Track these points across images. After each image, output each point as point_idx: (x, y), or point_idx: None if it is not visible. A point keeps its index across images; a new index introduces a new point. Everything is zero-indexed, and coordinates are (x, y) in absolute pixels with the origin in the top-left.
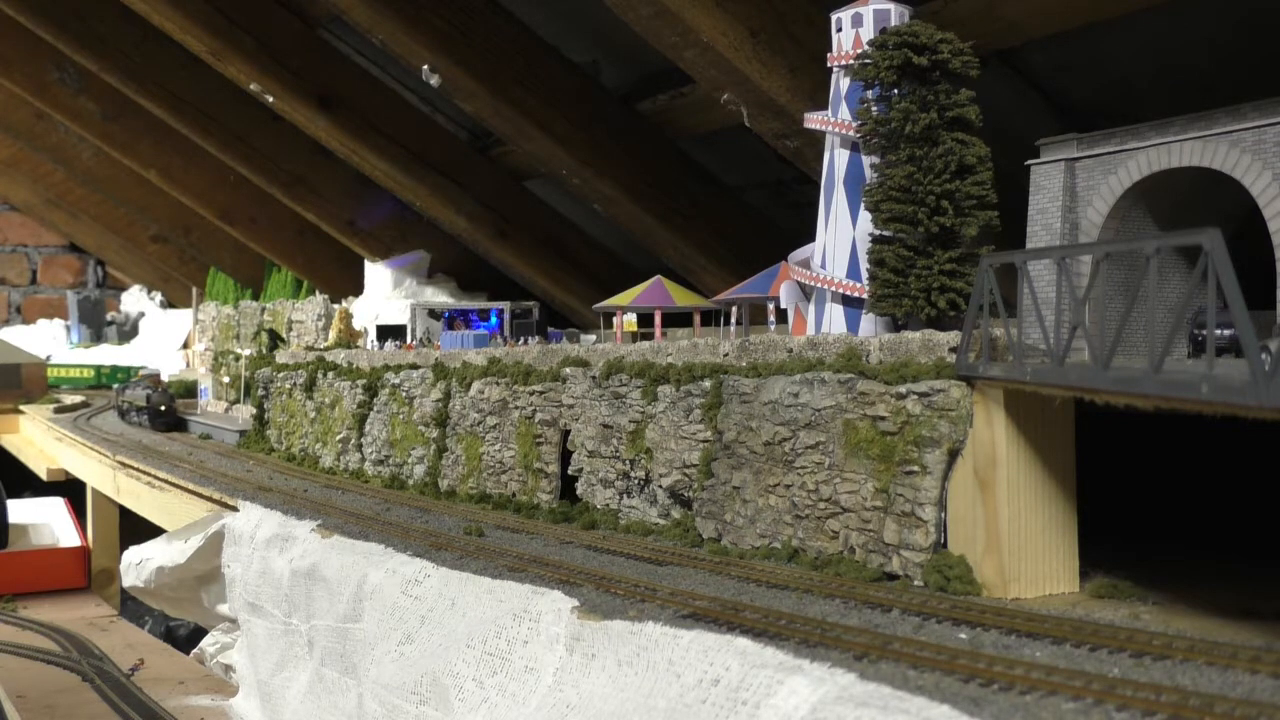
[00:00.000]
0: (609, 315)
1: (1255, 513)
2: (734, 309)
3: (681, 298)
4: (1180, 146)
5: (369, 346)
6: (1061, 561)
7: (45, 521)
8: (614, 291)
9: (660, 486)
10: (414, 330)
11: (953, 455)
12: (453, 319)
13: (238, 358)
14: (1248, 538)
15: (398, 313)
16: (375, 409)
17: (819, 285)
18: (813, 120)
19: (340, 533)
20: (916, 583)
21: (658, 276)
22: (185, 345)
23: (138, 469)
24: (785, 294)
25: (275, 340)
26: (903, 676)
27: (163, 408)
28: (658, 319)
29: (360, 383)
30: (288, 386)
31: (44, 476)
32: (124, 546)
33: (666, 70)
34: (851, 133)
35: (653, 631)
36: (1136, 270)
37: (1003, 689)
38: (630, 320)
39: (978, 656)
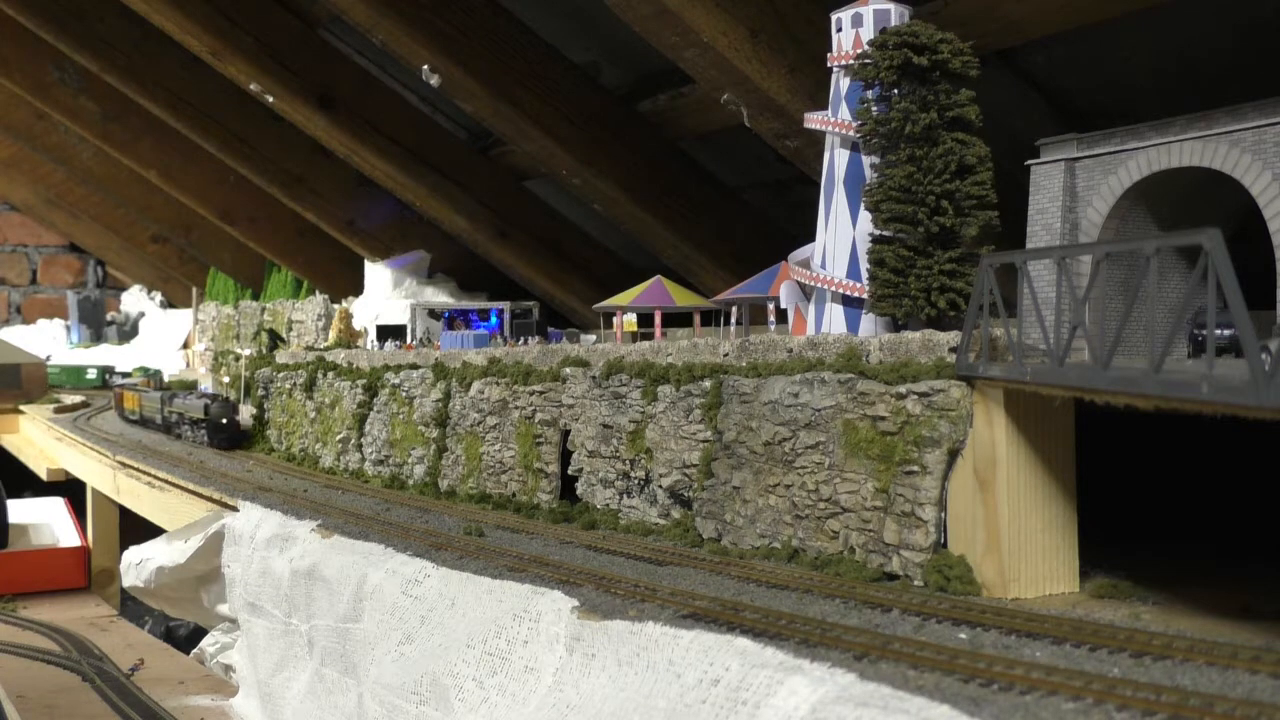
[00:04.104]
0: (609, 315)
1: (1255, 513)
2: (734, 309)
3: (681, 298)
4: (1180, 146)
5: (369, 346)
6: (1061, 561)
7: (45, 521)
8: (614, 291)
9: (660, 486)
10: (414, 330)
11: (953, 455)
12: (453, 319)
13: (238, 358)
14: (1247, 538)
15: (398, 313)
16: (375, 409)
17: (819, 285)
18: (813, 120)
19: (340, 533)
20: (916, 583)
21: (658, 276)
22: (185, 345)
23: (138, 469)
24: (785, 294)
25: (275, 340)
26: (903, 676)
27: (224, 420)
28: (658, 319)
29: (360, 383)
30: (288, 386)
31: (44, 476)
32: (124, 546)
33: (666, 70)
34: (851, 133)
35: (653, 631)
36: (1136, 270)
37: (1003, 689)
38: (630, 320)
39: (978, 656)
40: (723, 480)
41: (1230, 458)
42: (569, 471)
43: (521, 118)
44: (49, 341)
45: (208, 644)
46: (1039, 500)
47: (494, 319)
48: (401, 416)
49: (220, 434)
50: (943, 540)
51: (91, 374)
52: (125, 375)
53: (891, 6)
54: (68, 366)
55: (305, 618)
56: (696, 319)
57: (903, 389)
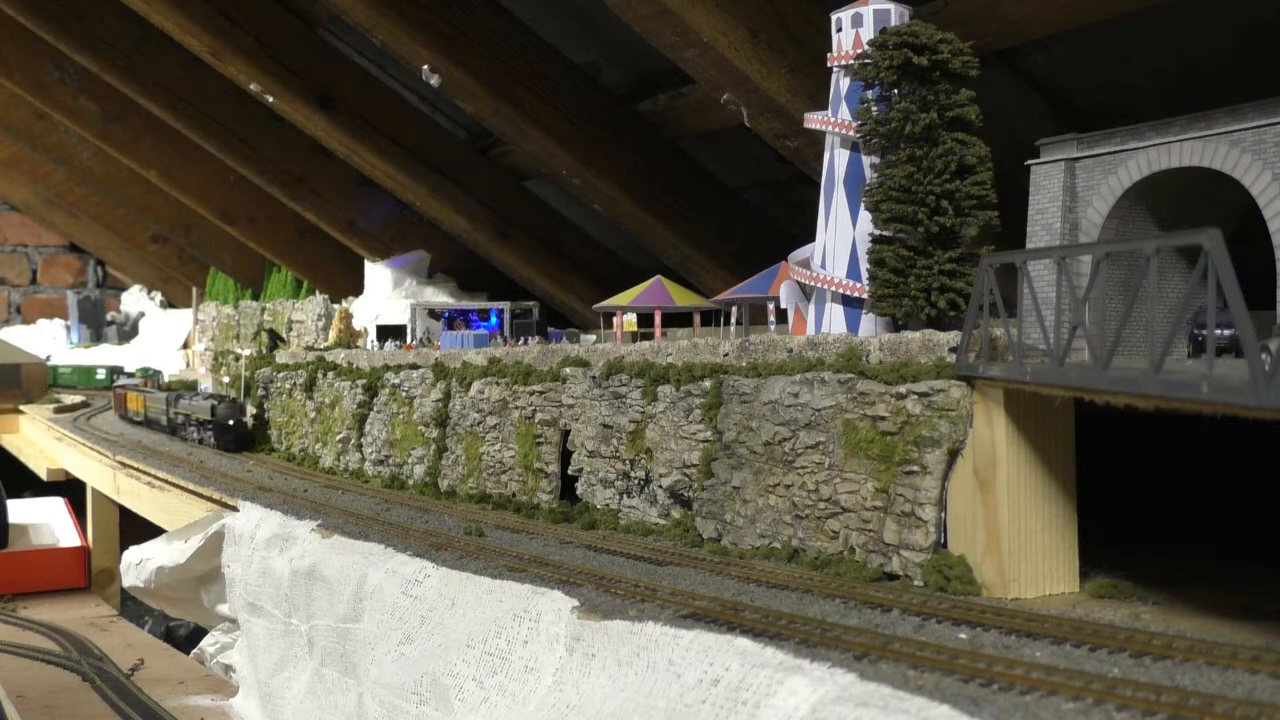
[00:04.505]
0: (609, 315)
1: (1255, 513)
2: (734, 309)
3: (681, 298)
4: (1180, 146)
5: (369, 346)
6: (1061, 561)
7: (45, 521)
8: (614, 291)
9: (660, 486)
10: (414, 330)
11: (953, 455)
12: (453, 319)
13: (238, 358)
14: (1247, 537)
15: (398, 313)
16: (375, 409)
17: (819, 285)
18: (813, 120)
19: (340, 533)
20: (916, 583)
21: (658, 276)
22: (185, 345)
23: (138, 469)
24: (785, 294)
25: (275, 340)
26: (903, 676)
27: (231, 422)
28: (658, 319)
29: (360, 383)
30: (288, 386)
31: (44, 476)
32: (124, 546)
33: (666, 70)
34: (851, 133)
35: (653, 631)
36: (1136, 270)
37: (1003, 689)
38: (630, 320)
39: (978, 656)
40: (723, 480)
41: (1230, 458)
42: (569, 471)
43: (521, 118)
44: (49, 341)
45: (208, 644)
46: (1039, 500)
47: (494, 319)
48: (401, 416)
49: (227, 435)
50: (943, 540)
51: (101, 374)
52: (130, 375)
53: (891, 6)
54: (80, 367)
55: (305, 618)
56: (696, 319)
57: (903, 389)
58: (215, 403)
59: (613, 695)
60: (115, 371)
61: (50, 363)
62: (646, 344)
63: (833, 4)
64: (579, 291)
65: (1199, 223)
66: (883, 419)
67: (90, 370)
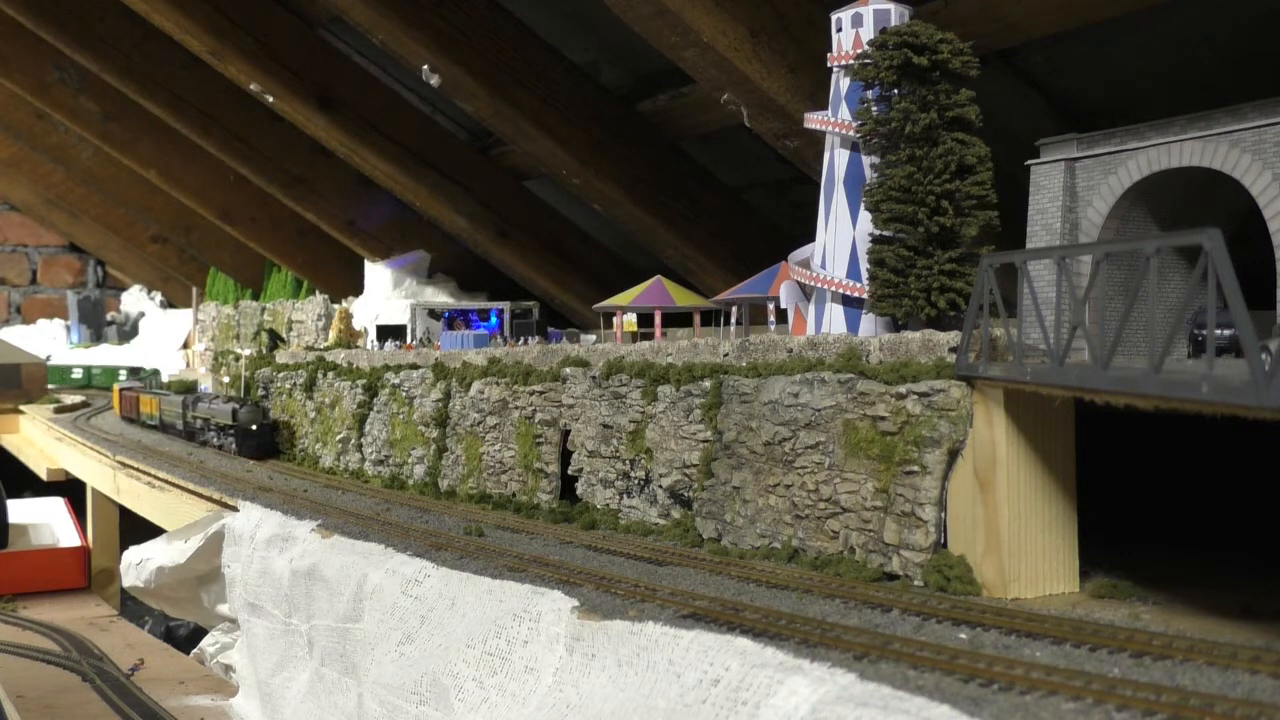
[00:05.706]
0: (609, 315)
1: (1255, 513)
2: (734, 309)
3: (681, 298)
4: (1180, 146)
5: (369, 346)
6: (1061, 561)
7: (45, 521)
8: (614, 291)
9: (660, 486)
10: (414, 330)
11: (953, 455)
12: (453, 319)
13: (238, 358)
14: (1247, 537)
15: (398, 313)
16: (375, 409)
17: (819, 285)
18: (813, 120)
19: (340, 533)
20: (916, 583)
21: (658, 276)
22: (185, 345)
23: (138, 469)
24: (785, 294)
25: (275, 340)
26: (903, 676)
27: (253, 427)
28: (658, 319)
29: (360, 383)
30: (288, 386)
31: (44, 476)
32: (124, 546)
33: (666, 70)
34: (851, 133)
35: (653, 631)
36: (1136, 270)
37: (1003, 689)
38: (630, 320)
39: (978, 656)
40: (723, 480)
41: (1230, 458)
42: (569, 471)
43: (521, 118)
44: (49, 341)
45: (208, 644)
46: (1039, 500)
47: (494, 319)
48: (401, 416)
49: (249, 441)
50: (943, 540)
51: (124, 375)
52: (136, 374)
53: (891, 6)
54: (108, 368)
55: (305, 618)
56: (696, 319)
57: (903, 389)
58: (237, 406)
59: (613, 695)
60: (135, 372)
61: (83, 364)
62: (646, 344)
63: (833, 4)
64: (579, 291)
65: (1199, 223)
66: (883, 419)
67: (114, 371)
